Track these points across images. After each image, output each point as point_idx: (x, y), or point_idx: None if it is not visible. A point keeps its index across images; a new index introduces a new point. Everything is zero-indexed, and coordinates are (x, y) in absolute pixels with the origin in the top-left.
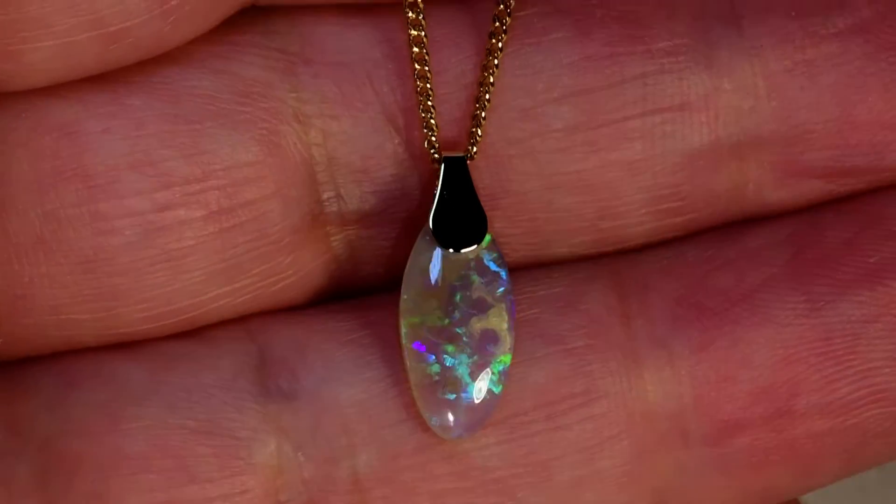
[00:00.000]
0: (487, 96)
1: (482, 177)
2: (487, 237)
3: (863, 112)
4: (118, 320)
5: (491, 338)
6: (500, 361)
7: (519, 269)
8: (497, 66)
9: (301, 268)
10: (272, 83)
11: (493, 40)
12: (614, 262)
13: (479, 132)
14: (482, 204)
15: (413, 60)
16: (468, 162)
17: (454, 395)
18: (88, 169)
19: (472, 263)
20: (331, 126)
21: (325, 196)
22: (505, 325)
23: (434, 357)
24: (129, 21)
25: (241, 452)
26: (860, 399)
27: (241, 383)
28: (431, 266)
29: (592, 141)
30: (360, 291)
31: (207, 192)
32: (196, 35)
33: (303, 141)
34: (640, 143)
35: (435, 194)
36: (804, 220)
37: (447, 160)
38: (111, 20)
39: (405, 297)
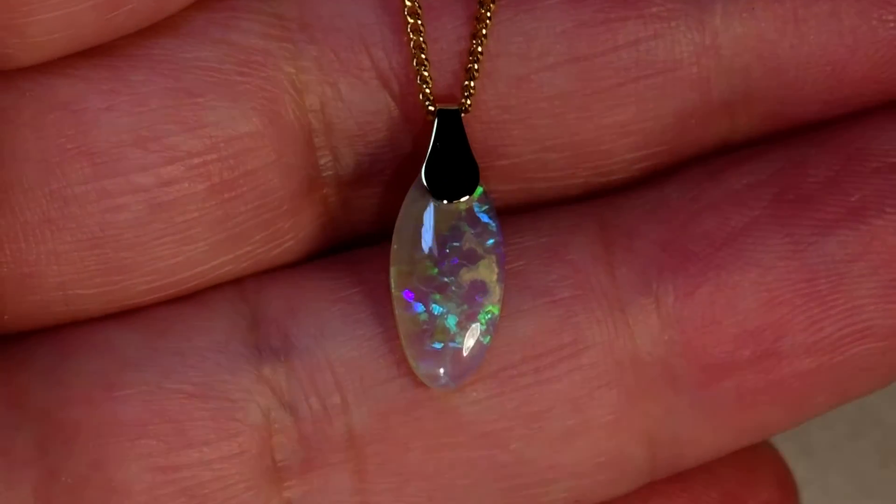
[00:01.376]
0: (480, 48)
1: (477, 144)
2: (479, 189)
3: (852, 70)
4: (123, 293)
5: (480, 288)
6: (489, 311)
7: (505, 214)
8: (489, 17)
9: (300, 230)
10: (270, 51)
11: None
12: (599, 208)
13: (473, 84)
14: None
15: (406, 14)
16: (462, 115)
17: (441, 345)
18: (93, 146)
19: (464, 214)
20: (327, 92)
21: (322, 160)
22: (494, 277)
23: (422, 306)
24: None
25: (236, 414)
26: (846, 337)
27: (233, 345)
28: (422, 216)
29: (587, 107)
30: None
31: (210, 165)
32: None
33: (301, 108)
34: (633, 108)
35: (428, 146)
36: (786, 158)
37: (441, 112)
38: None
39: (396, 246)
